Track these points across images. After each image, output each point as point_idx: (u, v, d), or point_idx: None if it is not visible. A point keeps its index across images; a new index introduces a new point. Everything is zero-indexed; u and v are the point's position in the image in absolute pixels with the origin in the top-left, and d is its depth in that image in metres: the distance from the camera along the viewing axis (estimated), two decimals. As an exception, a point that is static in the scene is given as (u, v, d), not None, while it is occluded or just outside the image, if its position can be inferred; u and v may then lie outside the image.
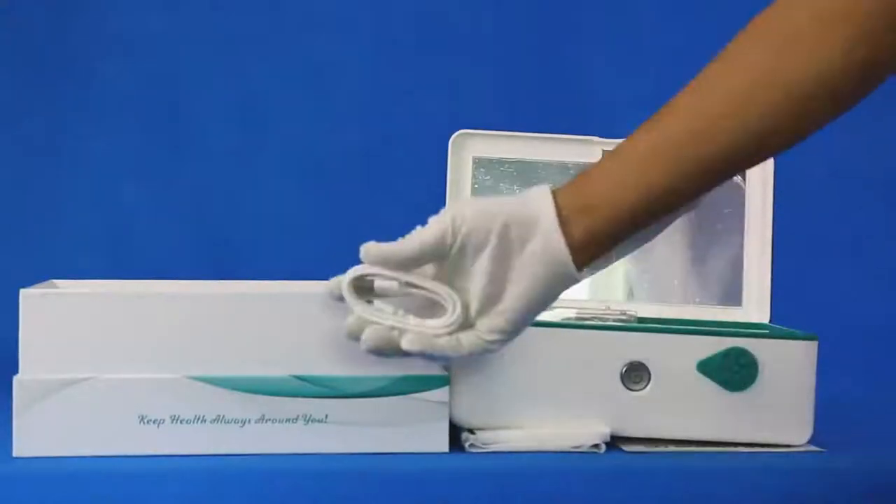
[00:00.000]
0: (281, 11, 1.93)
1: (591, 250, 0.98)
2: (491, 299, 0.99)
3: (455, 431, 1.24)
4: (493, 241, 0.99)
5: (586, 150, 1.45)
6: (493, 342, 0.99)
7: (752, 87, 0.99)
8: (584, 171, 1.00)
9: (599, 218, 0.98)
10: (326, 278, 1.43)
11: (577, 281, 0.98)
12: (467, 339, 0.98)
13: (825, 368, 1.29)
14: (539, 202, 0.98)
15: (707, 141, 0.99)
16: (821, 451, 1.27)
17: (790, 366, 1.28)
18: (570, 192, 0.99)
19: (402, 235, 1.07)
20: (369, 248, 1.07)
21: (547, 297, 0.99)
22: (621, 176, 0.98)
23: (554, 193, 0.99)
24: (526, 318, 0.99)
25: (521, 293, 0.98)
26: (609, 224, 0.98)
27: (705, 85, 1.03)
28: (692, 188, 0.99)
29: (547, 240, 0.97)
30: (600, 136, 1.45)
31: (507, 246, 0.98)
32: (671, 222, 1.01)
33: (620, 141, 0.99)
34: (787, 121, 0.97)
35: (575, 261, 0.98)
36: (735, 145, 0.99)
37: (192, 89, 1.92)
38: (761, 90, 0.98)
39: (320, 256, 1.89)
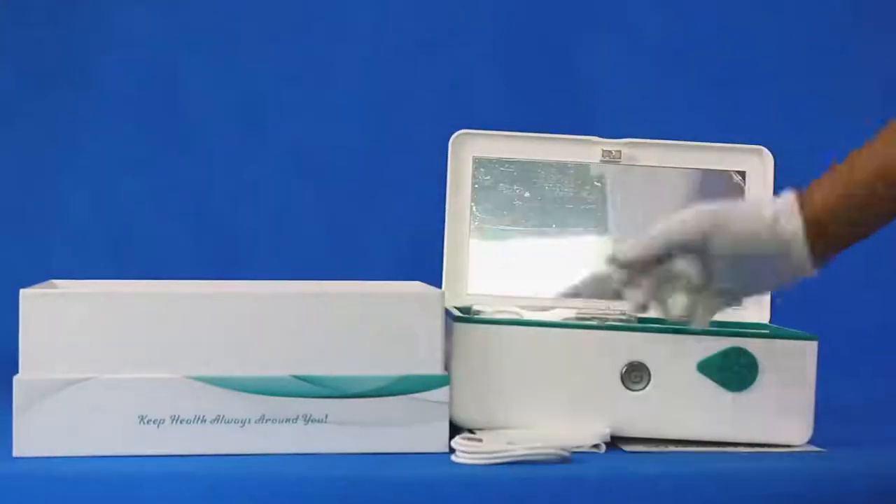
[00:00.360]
0: (281, 11, 1.93)
1: (823, 260, 1.13)
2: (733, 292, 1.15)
3: (455, 431, 1.24)
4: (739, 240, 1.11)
5: (586, 150, 1.45)
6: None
7: None
8: (816, 187, 1.12)
9: (835, 235, 1.11)
10: (326, 278, 1.44)
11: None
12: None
13: (825, 368, 1.29)
14: (791, 221, 1.10)
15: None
16: (821, 451, 1.27)
17: (790, 366, 1.27)
18: (811, 207, 1.11)
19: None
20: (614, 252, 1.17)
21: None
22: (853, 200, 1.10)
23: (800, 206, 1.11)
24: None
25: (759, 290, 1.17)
26: (837, 242, 1.12)
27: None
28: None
29: (797, 257, 1.11)
30: (600, 136, 1.45)
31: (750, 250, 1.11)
32: None
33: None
34: None
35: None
36: None
37: (191, 89, 1.92)
38: None
39: (320, 256, 1.90)
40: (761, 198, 1.20)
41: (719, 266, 1.12)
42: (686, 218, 1.13)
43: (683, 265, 1.13)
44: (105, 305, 1.20)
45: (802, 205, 1.11)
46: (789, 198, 1.11)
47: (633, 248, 1.14)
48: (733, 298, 1.17)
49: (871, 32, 1.94)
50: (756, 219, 1.11)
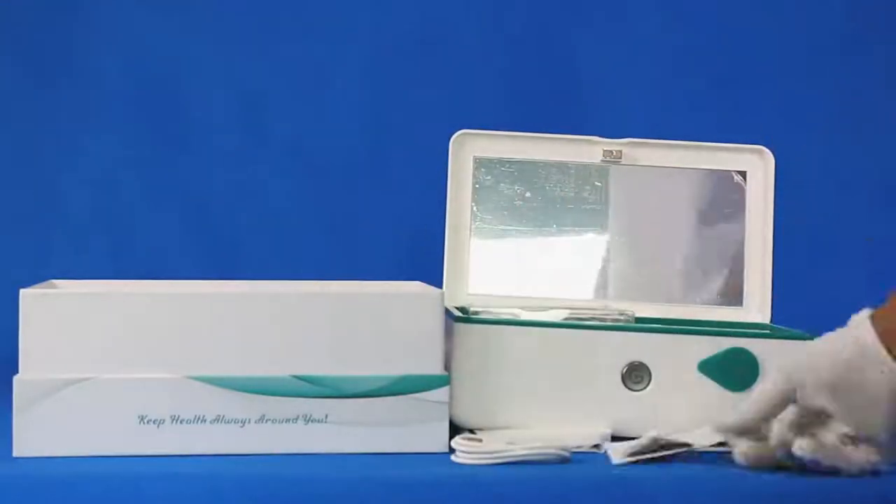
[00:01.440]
0: (281, 11, 1.93)
1: None
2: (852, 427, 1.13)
3: (455, 431, 1.24)
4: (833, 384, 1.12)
5: (587, 150, 1.45)
6: (876, 462, 1.15)
7: None
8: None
9: None
10: (326, 278, 1.44)
11: None
12: (857, 455, 1.14)
13: (826, 368, 1.29)
14: (865, 337, 1.11)
15: None
16: (821, 452, 1.27)
17: (790, 366, 1.27)
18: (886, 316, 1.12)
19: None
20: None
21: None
22: None
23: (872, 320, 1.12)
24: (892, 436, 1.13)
25: (879, 423, 1.12)
26: None
27: None
28: None
29: (891, 372, 1.10)
30: (601, 136, 1.45)
31: (848, 385, 1.12)
32: None
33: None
34: None
35: None
36: None
37: (191, 89, 1.92)
38: None
39: (320, 256, 1.90)
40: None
41: (831, 409, 1.13)
42: (767, 389, 1.15)
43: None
44: (105, 305, 1.20)
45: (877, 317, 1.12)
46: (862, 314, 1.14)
47: (736, 421, 1.17)
48: (875, 443, 1.15)
49: (871, 32, 1.94)
50: (834, 341, 1.14)
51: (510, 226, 1.45)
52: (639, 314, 1.38)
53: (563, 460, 1.18)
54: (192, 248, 1.88)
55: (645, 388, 1.27)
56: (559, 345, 1.27)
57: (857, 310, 1.16)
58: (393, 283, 1.41)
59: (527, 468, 1.16)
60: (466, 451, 1.19)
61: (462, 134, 1.43)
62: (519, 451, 1.18)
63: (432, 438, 1.22)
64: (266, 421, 1.20)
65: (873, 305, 1.16)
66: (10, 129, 1.90)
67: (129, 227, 1.89)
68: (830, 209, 1.91)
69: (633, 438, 1.26)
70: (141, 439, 1.19)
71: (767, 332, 1.35)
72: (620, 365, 1.27)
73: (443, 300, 1.24)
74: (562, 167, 1.45)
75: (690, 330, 1.29)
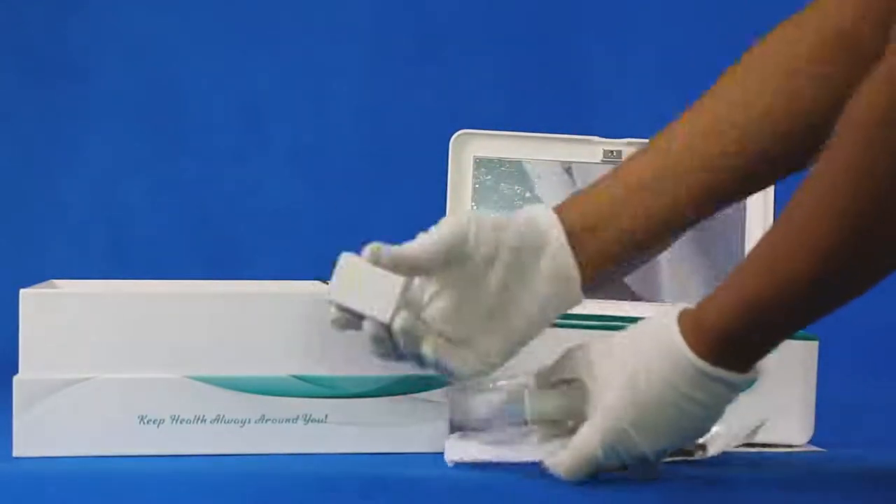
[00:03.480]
0: (281, 11, 1.93)
1: (596, 271, 1.02)
2: (495, 314, 1.03)
3: (455, 432, 1.23)
4: (504, 254, 1.00)
5: (587, 150, 1.45)
6: (493, 365, 1.05)
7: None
8: (584, 191, 1.03)
9: (606, 241, 1.01)
10: (326, 278, 1.43)
11: (579, 302, 1.02)
12: (463, 356, 1.04)
13: (826, 368, 1.29)
14: (547, 223, 1.00)
15: (706, 170, 1.02)
16: (821, 451, 1.27)
17: (791, 366, 1.27)
18: (575, 211, 1.02)
19: (402, 235, 1.07)
20: (380, 252, 1.07)
21: (550, 318, 1.04)
22: (624, 200, 1.02)
23: (559, 213, 1.01)
24: (525, 341, 1.04)
25: (527, 314, 1.03)
26: (615, 246, 1.01)
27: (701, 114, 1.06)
28: (693, 213, 1.01)
29: (557, 263, 1.00)
30: (601, 136, 1.45)
31: (518, 264, 1.01)
32: (674, 241, 1.03)
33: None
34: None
35: (582, 282, 1.01)
36: (733, 175, 1.03)
37: (192, 89, 1.92)
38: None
39: (320, 256, 1.89)
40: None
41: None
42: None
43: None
44: (105, 305, 1.20)
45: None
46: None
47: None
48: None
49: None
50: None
51: (510, 226, 1.44)
52: (639, 314, 1.38)
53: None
54: (192, 248, 1.88)
55: (645, 388, 1.27)
56: (559, 345, 1.27)
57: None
58: (393, 283, 1.41)
59: (526, 468, 1.16)
60: (462, 450, 1.19)
61: (462, 134, 1.43)
62: (515, 449, 1.18)
63: (432, 438, 1.22)
64: (266, 421, 1.20)
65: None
66: (10, 130, 1.90)
67: (129, 227, 1.89)
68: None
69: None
70: (141, 439, 1.19)
71: (767, 332, 1.35)
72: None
73: (443, 300, 1.24)
74: (562, 167, 1.45)
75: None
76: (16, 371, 1.18)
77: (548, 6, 1.95)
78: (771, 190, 1.43)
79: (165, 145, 1.91)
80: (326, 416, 1.21)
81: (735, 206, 1.44)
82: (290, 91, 1.92)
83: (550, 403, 1.09)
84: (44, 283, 1.30)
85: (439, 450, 1.21)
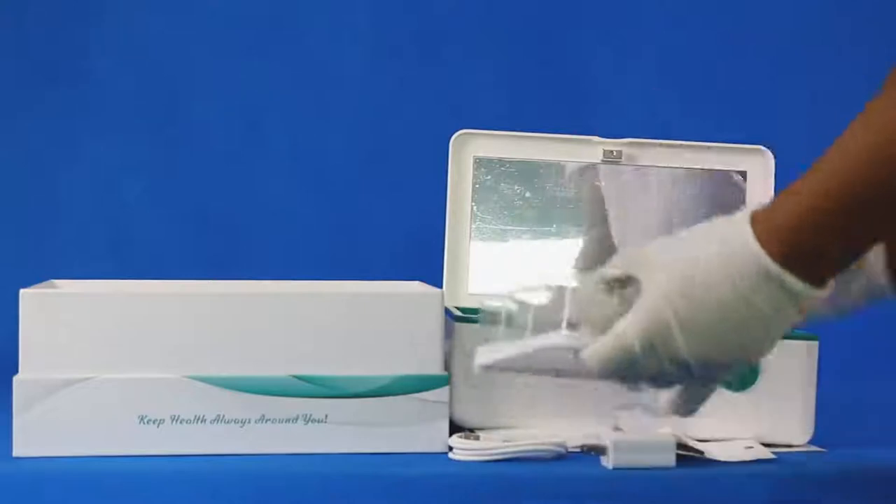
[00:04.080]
0: (281, 12, 1.93)
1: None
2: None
3: (455, 431, 1.24)
4: None
5: (587, 150, 1.45)
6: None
7: None
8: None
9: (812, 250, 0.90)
10: (326, 278, 1.44)
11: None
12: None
13: (825, 368, 1.29)
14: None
15: None
16: (821, 451, 1.27)
17: (791, 366, 1.27)
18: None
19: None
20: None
21: None
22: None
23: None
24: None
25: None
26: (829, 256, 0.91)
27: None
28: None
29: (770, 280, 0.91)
30: (601, 136, 1.45)
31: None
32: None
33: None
34: None
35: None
36: None
37: (191, 89, 1.92)
38: None
39: (320, 256, 1.90)
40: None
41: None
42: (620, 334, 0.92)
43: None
44: (105, 305, 1.20)
45: (757, 219, 0.91)
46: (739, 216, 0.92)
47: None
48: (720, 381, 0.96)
49: (871, 32, 1.94)
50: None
51: (510, 226, 1.45)
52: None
53: (559, 456, 1.19)
54: (192, 248, 1.88)
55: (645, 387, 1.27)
56: (559, 345, 1.27)
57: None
58: (393, 283, 1.41)
59: (525, 466, 1.16)
60: (464, 449, 1.19)
61: (462, 134, 1.43)
62: (515, 447, 1.18)
63: (432, 438, 1.22)
64: (266, 421, 1.20)
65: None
66: (10, 130, 1.90)
67: (129, 227, 1.89)
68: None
69: (632, 439, 1.26)
70: (141, 439, 1.19)
71: (767, 331, 1.35)
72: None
73: (443, 300, 1.24)
74: (562, 167, 1.45)
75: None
76: (16, 371, 1.18)
77: (548, 6, 1.95)
78: (771, 180, 1.43)
79: (165, 145, 1.91)
80: (326, 416, 1.21)
81: (735, 202, 1.44)
82: (289, 91, 1.92)
83: (598, 306, 0.95)
84: (44, 283, 1.30)
85: (439, 450, 1.22)
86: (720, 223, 0.93)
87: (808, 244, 0.89)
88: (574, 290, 0.97)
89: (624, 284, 0.94)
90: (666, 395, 0.98)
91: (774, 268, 0.89)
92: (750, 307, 0.90)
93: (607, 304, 0.94)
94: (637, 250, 0.95)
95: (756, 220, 0.91)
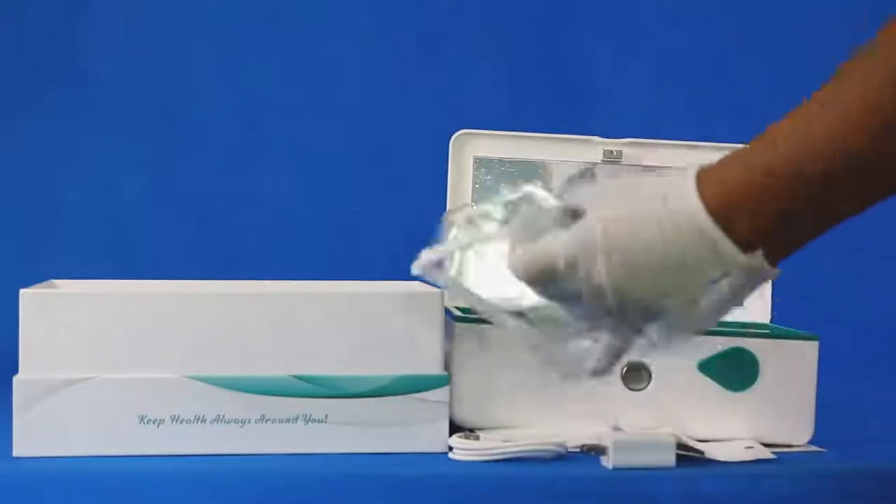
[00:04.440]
0: (280, 11, 1.93)
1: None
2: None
3: (455, 431, 1.24)
4: None
5: (588, 150, 1.45)
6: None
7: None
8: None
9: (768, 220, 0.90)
10: (326, 278, 1.44)
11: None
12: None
13: (826, 368, 1.29)
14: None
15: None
16: (821, 451, 1.27)
17: (791, 366, 1.27)
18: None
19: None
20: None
21: None
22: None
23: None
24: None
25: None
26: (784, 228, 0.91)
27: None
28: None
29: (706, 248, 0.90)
30: (602, 135, 1.45)
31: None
32: None
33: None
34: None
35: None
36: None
37: (191, 89, 1.92)
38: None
39: (320, 256, 1.90)
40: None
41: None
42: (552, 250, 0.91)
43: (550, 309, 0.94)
44: (105, 305, 1.20)
45: (703, 179, 0.89)
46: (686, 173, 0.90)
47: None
48: (637, 330, 0.93)
49: (871, 31, 1.94)
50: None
51: (510, 226, 1.44)
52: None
53: (559, 456, 1.19)
54: (192, 248, 1.88)
55: (645, 387, 1.27)
56: (559, 345, 1.27)
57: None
58: (393, 283, 1.41)
59: (525, 466, 1.16)
60: (464, 449, 1.19)
61: (462, 134, 1.43)
62: (515, 447, 1.18)
63: (432, 438, 1.22)
64: (266, 421, 1.20)
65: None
66: (10, 130, 1.90)
67: (129, 227, 1.89)
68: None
69: (633, 439, 1.26)
70: (141, 439, 1.19)
71: (767, 331, 1.35)
72: (620, 364, 1.27)
73: (443, 300, 1.24)
74: (563, 167, 1.45)
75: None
76: (16, 371, 1.18)
77: (548, 6, 1.95)
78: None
79: (165, 145, 1.91)
80: (326, 416, 1.21)
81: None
82: (290, 91, 1.92)
83: (540, 230, 0.94)
84: (44, 283, 1.30)
85: (439, 450, 1.22)
86: (668, 172, 0.92)
87: (750, 207, 0.88)
88: (524, 211, 0.96)
89: (572, 216, 0.93)
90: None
91: (704, 219, 0.88)
92: (677, 251, 0.88)
93: (548, 230, 0.93)
94: (588, 184, 0.95)
95: (701, 177, 0.89)
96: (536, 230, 0.94)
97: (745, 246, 0.89)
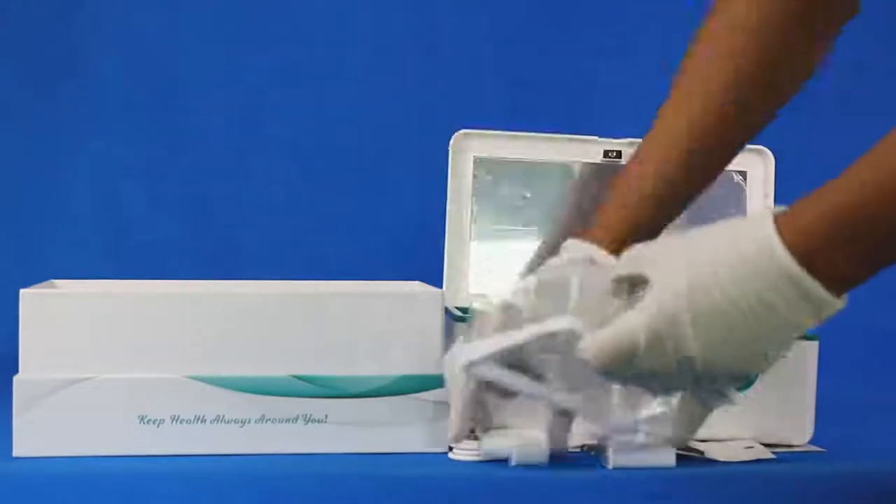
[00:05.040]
0: (281, 11, 1.93)
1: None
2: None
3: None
4: None
5: (587, 150, 1.45)
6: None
7: None
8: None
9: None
10: (326, 278, 1.44)
11: None
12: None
13: (826, 368, 1.29)
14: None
15: None
16: (821, 451, 1.27)
17: (791, 366, 1.27)
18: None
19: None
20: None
21: None
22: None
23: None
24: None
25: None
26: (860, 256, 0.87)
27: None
28: None
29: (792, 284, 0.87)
30: (601, 135, 1.45)
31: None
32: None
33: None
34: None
35: None
36: None
37: (191, 89, 1.92)
38: None
39: (320, 256, 1.90)
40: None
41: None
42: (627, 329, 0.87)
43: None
44: (105, 305, 1.20)
45: (779, 220, 0.86)
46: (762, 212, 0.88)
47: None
48: (720, 394, 0.92)
49: (871, 32, 1.94)
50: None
51: (510, 226, 1.45)
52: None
53: (559, 456, 1.19)
54: (192, 248, 1.88)
55: (645, 387, 1.27)
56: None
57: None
58: (393, 283, 1.41)
59: (525, 466, 1.16)
60: (464, 449, 1.19)
61: (462, 134, 1.43)
62: (516, 446, 1.18)
63: (432, 438, 1.22)
64: (266, 421, 1.20)
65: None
66: (10, 130, 1.90)
67: (129, 227, 1.89)
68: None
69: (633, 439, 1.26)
70: (141, 439, 1.19)
71: (767, 331, 1.34)
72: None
73: (443, 300, 1.24)
74: (563, 167, 1.45)
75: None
76: (16, 371, 1.18)
77: (548, 6, 1.95)
78: (771, 180, 1.43)
79: (165, 145, 1.91)
80: (326, 416, 1.21)
81: (735, 202, 1.44)
82: (289, 91, 1.92)
83: (601, 304, 0.91)
84: (44, 283, 1.30)
85: (439, 450, 1.22)
86: (737, 222, 0.89)
87: (834, 250, 0.85)
88: (579, 284, 0.94)
89: (631, 284, 0.90)
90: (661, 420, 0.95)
91: (797, 270, 0.84)
92: (768, 308, 0.85)
93: (610, 304, 0.91)
94: (645, 248, 0.92)
95: (778, 218, 0.86)
96: (596, 308, 0.91)
97: (837, 288, 0.86)
